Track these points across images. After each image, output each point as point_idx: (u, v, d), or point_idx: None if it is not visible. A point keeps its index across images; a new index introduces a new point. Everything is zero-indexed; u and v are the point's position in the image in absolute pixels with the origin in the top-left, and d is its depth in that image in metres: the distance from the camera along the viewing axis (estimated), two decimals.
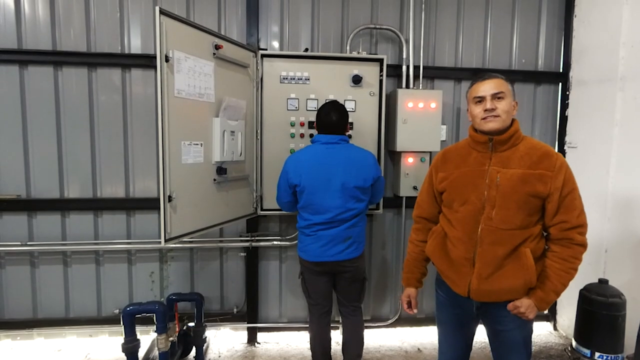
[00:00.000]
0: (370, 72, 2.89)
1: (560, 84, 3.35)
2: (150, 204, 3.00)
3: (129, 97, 2.98)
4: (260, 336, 3.19)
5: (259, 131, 2.83)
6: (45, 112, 2.90)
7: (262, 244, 3.08)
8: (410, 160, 2.99)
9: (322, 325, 2.48)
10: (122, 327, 2.47)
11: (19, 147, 2.89)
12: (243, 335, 3.17)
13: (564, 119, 3.33)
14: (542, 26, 3.31)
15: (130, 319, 2.45)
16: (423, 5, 3.11)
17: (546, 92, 3.37)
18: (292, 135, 2.87)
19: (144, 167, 3.02)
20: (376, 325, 3.26)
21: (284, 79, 2.86)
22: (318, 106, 2.75)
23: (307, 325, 2.60)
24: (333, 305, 2.50)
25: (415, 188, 2.99)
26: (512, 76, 3.25)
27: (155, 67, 2.87)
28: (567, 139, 3.31)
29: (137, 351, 2.50)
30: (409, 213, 3.20)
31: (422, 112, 2.93)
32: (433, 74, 3.20)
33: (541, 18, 3.31)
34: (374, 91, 2.93)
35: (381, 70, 2.93)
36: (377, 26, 3.10)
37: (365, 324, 3.06)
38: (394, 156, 3.13)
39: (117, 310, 3.01)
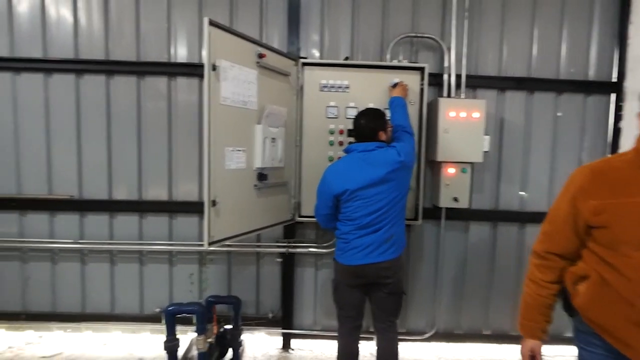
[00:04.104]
0: (410, 81, 2.86)
1: (613, 94, 3.18)
2: (191, 208, 3.10)
3: (174, 104, 3.10)
4: (294, 342, 3.20)
5: (298, 138, 2.86)
6: (97, 118, 3.08)
7: (298, 250, 3.10)
8: (451, 170, 2.92)
9: (352, 339, 2.44)
10: (164, 326, 2.56)
11: (73, 150, 3.08)
12: (277, 340, 3.19)
13: (617, 132, 3.15)
14: (594, 33, 3.16)
15: (171, 319, 2.53)
16: (466, 13, 3.05)
17: (597, 103, 3.20)
18: (331, 143, 2.89)
19: (185, 171, 3.13)
20: (412, 338, 3.19)
21: (323, 87, 2.88)
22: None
23: None
24: (366, 317, 2.47)
25: (456, 199, 2.92)
26: (559, 86, 3.14)
27: (199, 75, 3.05)
28: (620, 152, 3.13)
29: (177, 350, 2.58)
30: (449, 225, 3.13)
31: (464, 122, 2.87)
32: (475, 82, 3.12)
33: (593, 25, 3.16)
34: (413, 100, 2.89)
35: (422, 79, 2.89)
36: (418, 34, 3.07)
37: (401, 337, 3.01)
38: (434, 166, 3.07)
39: (158, 309, 3.12)
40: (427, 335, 3.19)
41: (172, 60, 3.08)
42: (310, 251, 3.11)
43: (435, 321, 3.19)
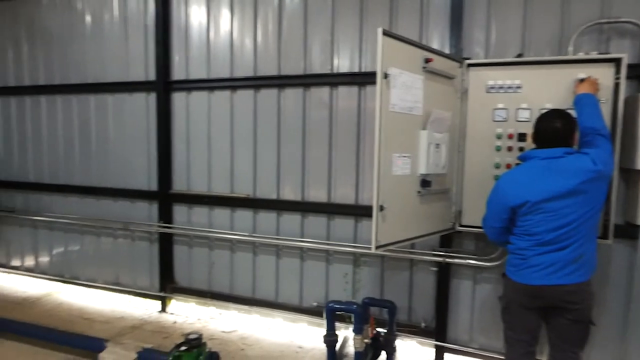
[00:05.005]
0: (600, 75, 2.44)
1: None
2: (347, 210, 3.26)
3: (335, 112, 3.30)
4: (448, 357, 3.06)
5: (461, 143, 2.73)
6: (270, 127, 3.48)
7: (456, 261, 2.95)
8: None
9: None
10: (322, 320, 2.74)
11: (250, 155, 3.55)
12: (429, 351, 3.10)
13: None
14: None
15: (332, 315, 2.70)
16: None
17: None
18: (498, 149, 2.67)
19: (343, 175, 3.29)
20: None
21: (490, 88, 2.68)
22: (531, 116, 2.51)
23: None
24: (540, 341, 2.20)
25: None
26: None
27: (357, 84, 3.19)
28: None
29: (335, 345, 2.73)
30: None
31: None
32: None
33: None
34: (605, 97, 2.47)
35: (617, 72, 2.45)
36: (611, 19, 2.62)
37: None
38: (630, 175, 2.56)
39: (316, 304, 3.35)
40: None
41: (334, 71, 3.28)
42: (469, 263, 2.92)
43: (622, 359, 2.66)
